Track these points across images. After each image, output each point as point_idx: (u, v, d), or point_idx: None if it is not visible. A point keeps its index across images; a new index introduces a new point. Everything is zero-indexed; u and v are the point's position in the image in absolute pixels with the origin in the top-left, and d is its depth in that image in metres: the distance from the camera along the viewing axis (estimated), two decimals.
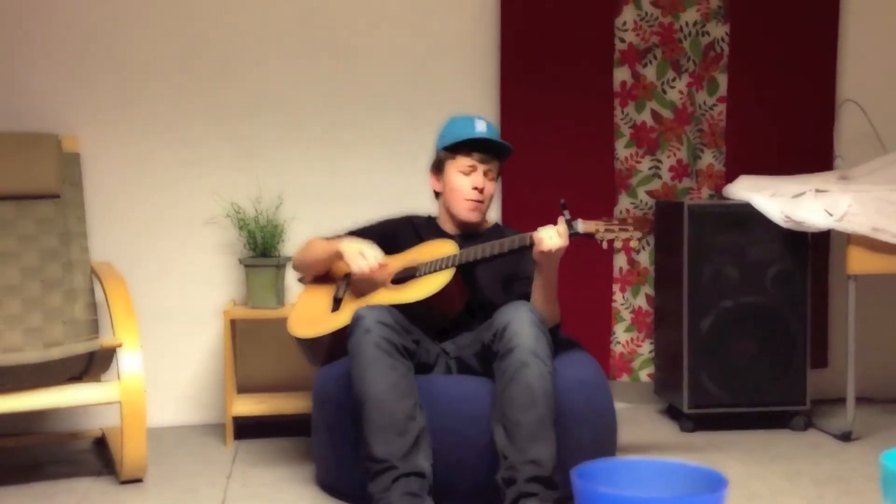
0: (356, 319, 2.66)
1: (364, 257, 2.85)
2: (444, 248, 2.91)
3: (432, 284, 2.79)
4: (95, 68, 3.64)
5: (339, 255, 2.95)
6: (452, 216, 3.04)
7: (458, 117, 3.08)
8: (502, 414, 2.52)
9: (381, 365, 2.57)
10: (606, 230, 2.63)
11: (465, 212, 2.99)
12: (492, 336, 2.64)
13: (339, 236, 3.11)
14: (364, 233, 3.10)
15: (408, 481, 2.48)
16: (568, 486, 2.46)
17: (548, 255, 2.66)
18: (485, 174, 2.98)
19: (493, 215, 3.69)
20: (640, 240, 2.65)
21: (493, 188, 3.02)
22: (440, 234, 3.05)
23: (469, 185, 2.97)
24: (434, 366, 2.84)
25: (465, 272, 2.85)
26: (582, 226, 2.65)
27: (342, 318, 2.86)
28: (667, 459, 1.38)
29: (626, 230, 2.62)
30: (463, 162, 2.97)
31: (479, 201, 2.98)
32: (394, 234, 3.07)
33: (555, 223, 2.68)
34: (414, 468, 2.50)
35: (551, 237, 2.65)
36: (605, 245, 2.65)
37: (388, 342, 2.61)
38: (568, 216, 2.67)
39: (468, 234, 3.04)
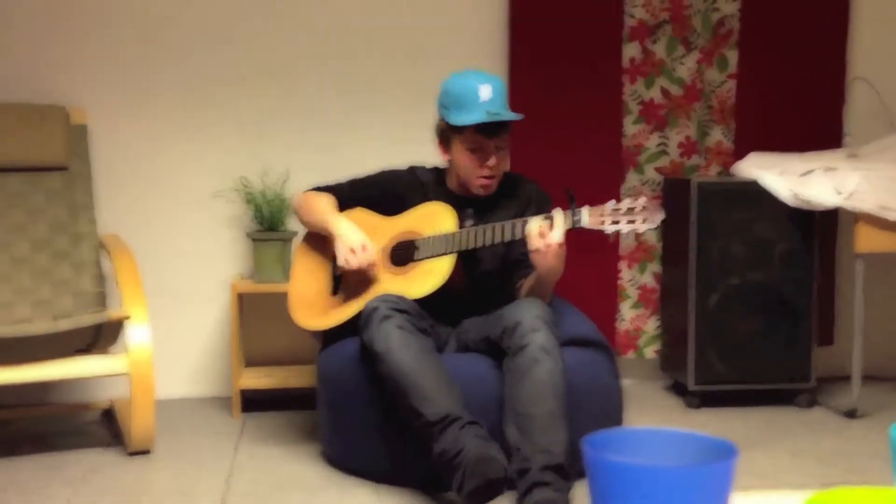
0: (371, 311, 2.63)
1: (354, 255, 2.80)
2: (443, 220, 2.82)
3: (435, 275, 2.75)
4: (103, 41, 3.63)
5: (329, 233, 2.91)
6: (462, 185, 2.91)
7: (460, 78, 2.85)
8: (514, 410, 2.48)
9: (410, 341, 2.57)
10: (613, 222, 2.50)
11: (478, 188, 2.86)
12: (500, 333, 2.62)
13: (340, 185, 3.06)
14: (366, 184, 3.04)
15: (473, 427, 2.45)
16: (581, 475, 2.48)
17: (534, 254, 2.58)
18: (495, 148, 2.82)
19: None
20: (654, 229, 2.51)
21: (504, 158, 2.86)
22: (448, 194, 2.93)
23: (479, 162, 2.82)
24: (444, 348, 2.84)
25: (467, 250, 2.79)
26: (587, 218, 2.53)
27: (347, 310, 2.84)
28: (677, 429, 1.38)
29: (633, 221, 2.49)
30: (470, 138, 2.80)
31: (490, 177, 2.85)
32: (398, 191, 2.98)
33: (562, 204, 2.60)
34: (474, 418, 2.48)
35: (532, 237, 2.55)
36: (612, 238, 2.52)
37: (410, 324, 2.61)
38: (573, 208, 2.54)
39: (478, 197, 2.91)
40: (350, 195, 3.04)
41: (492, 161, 2.82)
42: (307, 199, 3.06)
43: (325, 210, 2.97)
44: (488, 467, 2.33)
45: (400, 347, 2.56)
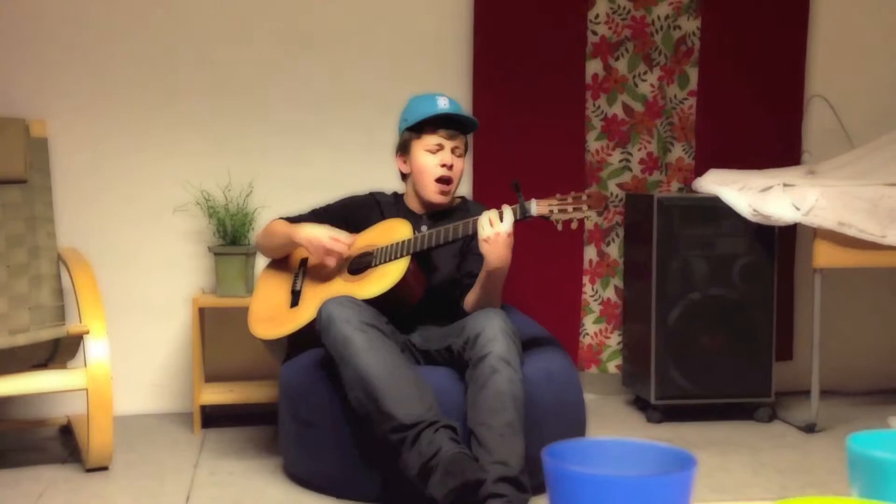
0: (328, 315, 2.62)
1: (330, 247, 2.83)
2: (399, 231, 2.88)
3: (390, 276, 2.77)
4: (64, 53, 3.60)
5: (296, 244, 2.93)
6: (420, 197, 3.01)
7: (419, 96, 3.04)
8: (473, 420, 2.50)
9: (375, 344, 2.57)
10: (560, 209, 2.59)
11: (434, 194, 2.96)
12: (463, 344, 2.63)
13: (301, 216, 3.09)
14: (327, 211, 3.09)
15: (447, 431, 2.45)
16: (537, 487, 2.49)
17: (484, 243, 2.63)
18: (452, 151, 2.95)
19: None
20: (598, 216, 2.64)
21: (461, 165, 2.99)
22: (406, 212, 3.03)
23: (437, 163, 2.93)
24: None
25: (422, 257, 2.85)
26: (535, 207, 2.62)
27: (304, 315, 2.84)
28: (637, 440, 1.39)
29: (580, 209, 2.58)
30: (429, 140, 2.94)
31: (448, 180, 2.94)
32: (358, 213, 3.05)
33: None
34: (448, 422, 2.48)
35: (483, 227, 2.63)
36: (560, 226, 2.60)
37: (371, 326, 2.61)
38: (521, 199, 2.64)
39: (434, 212, 3.02)
40: (312, 222, 3.04)
41: (448, 159, 2.93)
42: (267, 229, 3.11)
43: (285, 228, 2.99)
44: (466, 468, 2.34)
45: (365, 350, 2.55)
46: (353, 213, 3.07)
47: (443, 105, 2.95)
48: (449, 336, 2.76)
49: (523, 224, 2.67)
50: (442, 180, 2.94)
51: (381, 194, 3.14)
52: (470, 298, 2.85)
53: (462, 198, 3.15)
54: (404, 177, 3.07)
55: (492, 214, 2.65)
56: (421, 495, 2.43)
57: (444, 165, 2.93)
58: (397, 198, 3.12)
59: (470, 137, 3.08)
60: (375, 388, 2.50)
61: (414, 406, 2.47)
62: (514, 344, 2.58)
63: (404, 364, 2.59)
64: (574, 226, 2.61)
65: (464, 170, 3.02)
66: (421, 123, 2.95)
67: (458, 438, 2.46)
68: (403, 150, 3.02)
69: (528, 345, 2.89)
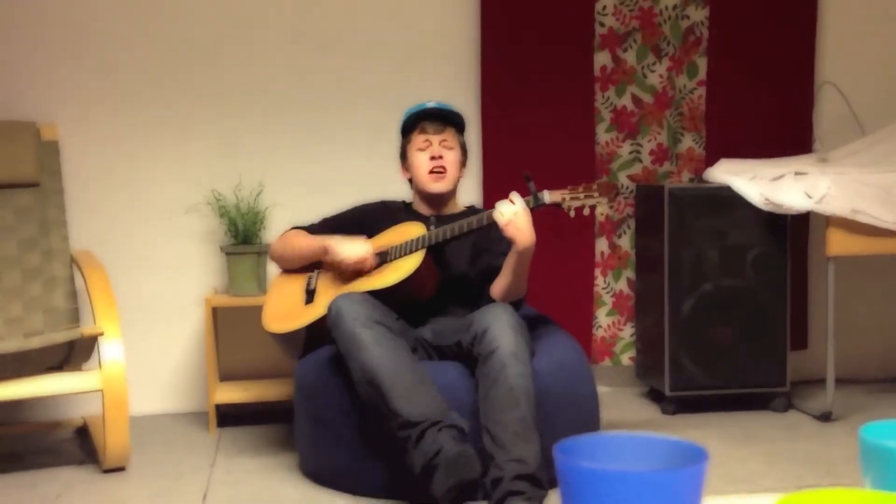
0: (337, 310, 2.65)
1: (356, 254, 2.87)
2: (412, 231, 2.92)
3: (403, 268, 2.82)
4: (74, 56, 3.61)
5: (325, 252, 2.95)
6: (423, 195, 3.06)
7: (412, 107, 3.13)
8: (486, 417, 2.52)
9: (382, 341, 2.59)
10: (572, 198, 2.71)
11: (430, 183, 3.01)
12: (471, 339, 2.65)
13: (313, 226, 3.13)
14: (339, 219, 3.13)
15: (451, 431, 2.47)
16: (550, 480, 2.50)
17: (507, 227, 2.69)
18: (441, 144, 3.02)
19: (475, 200, 3.71)
20: (609, 203, 2.70)
21: (455, 157, 3.05)
22: (415, 216, 3.06)
23: (427, 157, 3.01)
24: (414, 352, 2.84)
25: (436, 253, 2.88)
26: (548, 196, 2.73)
27: (318, 310, 2.87)
28: (648, 434, 1.39)
29: (591, 196, 2.69)
30: (418, 140, 3.03)
31: (440, 169, 3.00)
32: (369, 220, 3.09)
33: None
34: (453, 421, 2.50)
35: (502, 213, 2.71)
36: (572, 213, 2.71)
37: (378, 323, 2.63)
38: (533, 188, 2.73)
39: (442, 215, 3.05)
40: (323, 231, 3.08)
41: (437, 152, 3.01)
42: (287, 240, 3.12)
43: (312, 238, 3.04)
44: (465, 467, 2.38)
45: (372, 347, 2.57)
46: (365, 219, 3.11)
47: (428, 105, 3.07)
48: (458, 331, 2.77)
49: (535, 214, 2.75)
50: (434, 170, 3.00)
51: (392, 202, 3.19)
52: (498, 286, 2.87)
53: (471, 206, 3.20)
54: (410, 182, 3.12)
55: (501, 203, 2.74)
56: (430, 493, 2.45)
57: (433, 158, 3.00)
58: (406, 204, 3.17)
59: (474, 137, 3.12)
60: (381, 385, 2.53)
61: (419, 404, 2.50)
62: (522, 338, 2.59)
63: (411, 361, 2.60)
64: (586, 212, 2.70)
65: (460, 162, 3.06)
66: (410, 128, 3.05)
67: (461, 438, 2.47)
68: (402, 157, 3.12)
69: (540, 338, 2.89)
